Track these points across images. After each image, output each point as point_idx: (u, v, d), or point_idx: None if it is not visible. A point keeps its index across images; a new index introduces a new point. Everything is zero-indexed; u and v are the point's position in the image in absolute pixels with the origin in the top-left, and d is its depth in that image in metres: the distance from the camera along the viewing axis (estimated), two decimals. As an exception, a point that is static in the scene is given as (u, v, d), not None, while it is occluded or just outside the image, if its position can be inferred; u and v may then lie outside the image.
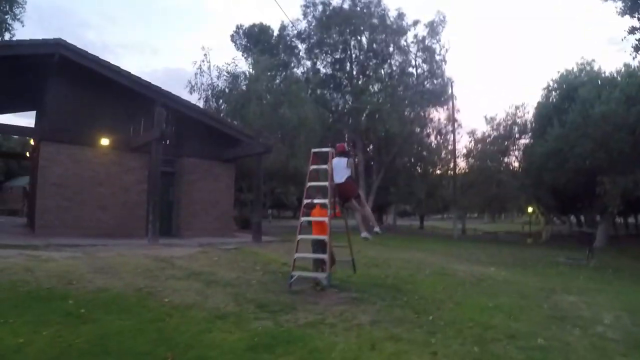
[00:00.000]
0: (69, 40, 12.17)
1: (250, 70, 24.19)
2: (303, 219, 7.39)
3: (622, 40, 15.91)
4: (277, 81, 25.27)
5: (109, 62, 12.59)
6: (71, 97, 12.74)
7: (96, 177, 12.99)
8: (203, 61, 23.13)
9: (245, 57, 27.76)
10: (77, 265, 7.75)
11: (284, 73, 27.20)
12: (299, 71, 31.44)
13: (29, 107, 19.00)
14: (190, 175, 14.80)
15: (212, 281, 7.21)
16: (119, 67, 12.73)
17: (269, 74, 24.71)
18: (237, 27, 32.58)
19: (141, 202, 13.24)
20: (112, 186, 13.20)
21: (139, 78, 13.06)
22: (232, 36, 32.60)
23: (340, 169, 7.08)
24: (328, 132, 27.62)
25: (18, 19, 22.50)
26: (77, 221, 12.47)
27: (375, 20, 31.47)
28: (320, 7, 31.70)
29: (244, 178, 20.88)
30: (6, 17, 22.11)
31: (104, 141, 13.04)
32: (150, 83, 13.24)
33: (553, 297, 7.85)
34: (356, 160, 7.89)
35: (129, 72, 12.92)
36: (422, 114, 32.06)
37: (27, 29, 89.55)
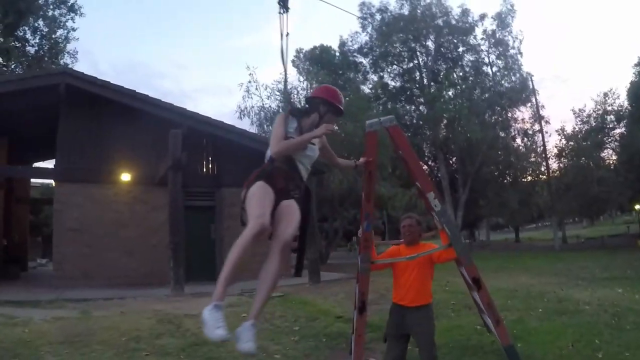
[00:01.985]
0: (144, 91, 11.27)
1: (304, 84, 21.97)
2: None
3: None
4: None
5: (122, 86, 11.00)
6: (85, 131, 11.25)
7: (120, 219, 11.21)
8: (250, 82, 20.89)
9: (309, 80, 25.46)
10: (49, 331, 5.76)
11: (350, 94, 25.02)
12: (365, 88, 29.38)
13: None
14: (233, 207, 12.54)
15: (211, 359, 4.76)
16: (133, 91, 11.09)
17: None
18: (297, 52, 30.15)
19: (174, 244, 11.20)
20: (139, 227, 11.31)
21: (158, 100, 11.31)
22: (293, 61, 29.99)
23: None
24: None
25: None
26: (101, 270, 10.69)
27: (439, 22, 29.12)
28: (378, 17, 29.82)
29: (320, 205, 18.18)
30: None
31: (125, 177, 11.32)
32: (172, 105, 11.41)
33: None
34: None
35: (146, 95, 11.23)
36: (504, 115, 28.68)
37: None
